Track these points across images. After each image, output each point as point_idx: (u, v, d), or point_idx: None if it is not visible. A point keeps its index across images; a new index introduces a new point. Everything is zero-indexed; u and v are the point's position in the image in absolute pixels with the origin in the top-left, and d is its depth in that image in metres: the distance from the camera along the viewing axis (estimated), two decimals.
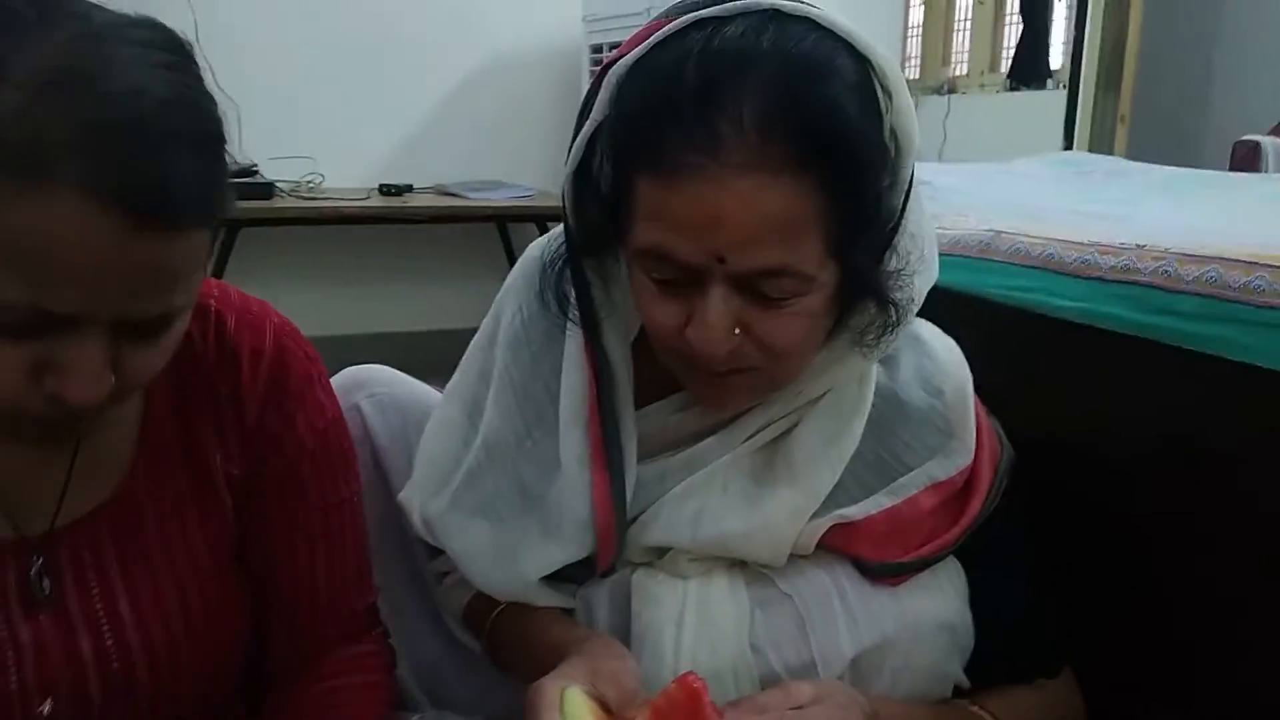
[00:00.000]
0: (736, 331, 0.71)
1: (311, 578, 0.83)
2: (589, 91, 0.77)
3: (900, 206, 0.75)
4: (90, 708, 0.73)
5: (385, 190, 3.33)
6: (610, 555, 0.83)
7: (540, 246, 0.92)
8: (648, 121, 0.69)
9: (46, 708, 0.71)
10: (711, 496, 0.82)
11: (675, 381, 0.83)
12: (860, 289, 0.75)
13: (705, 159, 0.66)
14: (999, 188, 1.76)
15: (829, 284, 0.72)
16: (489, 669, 0.97)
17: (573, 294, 0.83)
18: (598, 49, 3.40)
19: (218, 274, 2.91)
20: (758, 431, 0.83)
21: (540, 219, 3.41)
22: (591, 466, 0.82)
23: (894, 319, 0.77)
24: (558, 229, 0.91)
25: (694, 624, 0.80)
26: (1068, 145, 3.69)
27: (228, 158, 0.65)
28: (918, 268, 0.77)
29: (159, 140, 0.58)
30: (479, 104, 3.64)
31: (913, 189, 0.76)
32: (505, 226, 3.60)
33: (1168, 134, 4.01)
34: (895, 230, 0.75)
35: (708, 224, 0.67)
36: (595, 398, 0.82)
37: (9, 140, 0.55)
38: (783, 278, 0.69)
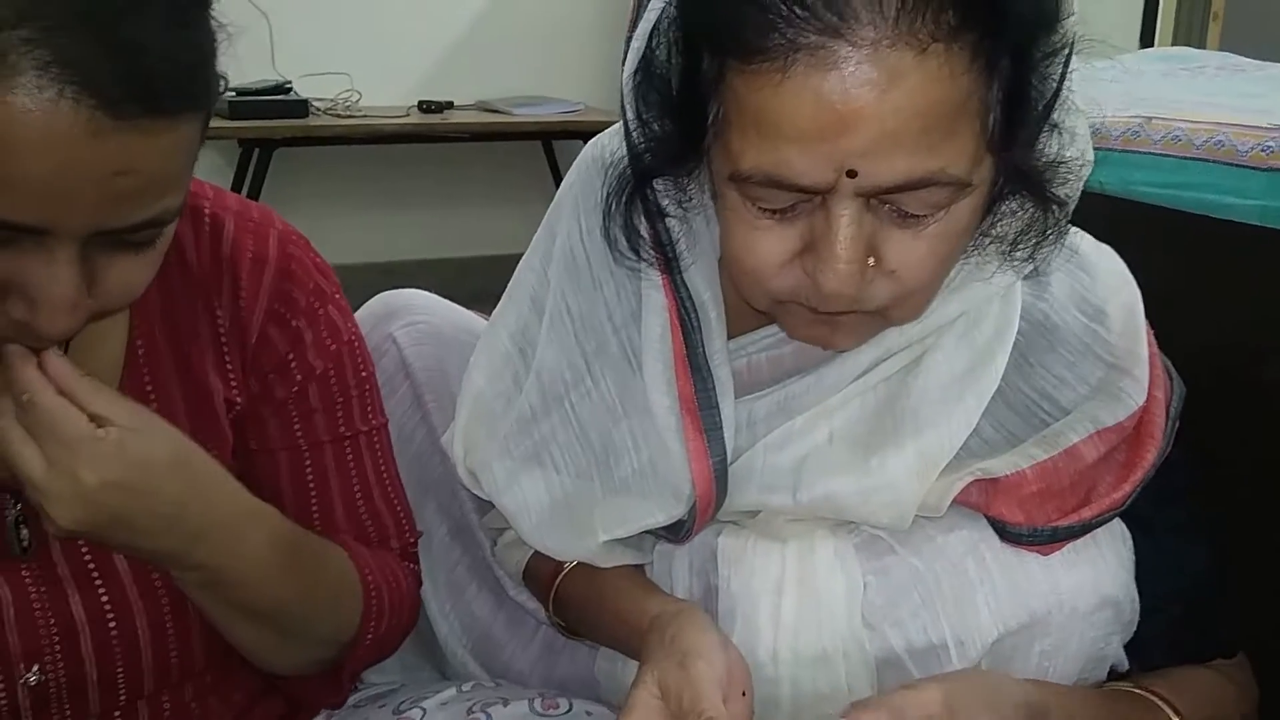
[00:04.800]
0: (871, 263, 0.57)
1: (326, 514, 0.74)
2: None
3: (1060, 75, 0.59)
4: (83, 676, 0.65)
5: (425, 107, 3.19)
6: (705, 522, 0.70)
7: (599, 146, 0.78)
8: None
9: (32, 677, 0.63)
10: (814, 448, 0.68)
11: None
12: (1017, 187, 0.60)
13: (827, 39, 0.51)
14: (1107, 83, 1.56)
15: (981, 187, 0.57)
16: (550, 634, 0.85)
17: (644, 227, 0.68)
18: None
19: (252, 199, 2.79)
20: (872, 367, 0.68)
21: (589, 135, 3.24)
22: (684, 426, 0.68)
23: (1055, 221, 0.61)
24: (615, 128, 0.75)
25: (795, 595, 0.67)
26: (1146, 46, 3.44)
27: (215, 25, 0.54)
28: (1085, 152, 0.61)
29: (129, 9, 0.48)
30: (522, 13, 3.45)
31: (1072, 52, 0.60)
32: (551, 144, 3.44)
33: (1266, 32, 3.73)
34: (1051, 107, 0.60)
35: (833, 128, 0.52)
36: (683, 346, 0.68)
37: None
38: (929, 188, 0.55)
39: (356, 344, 0.75)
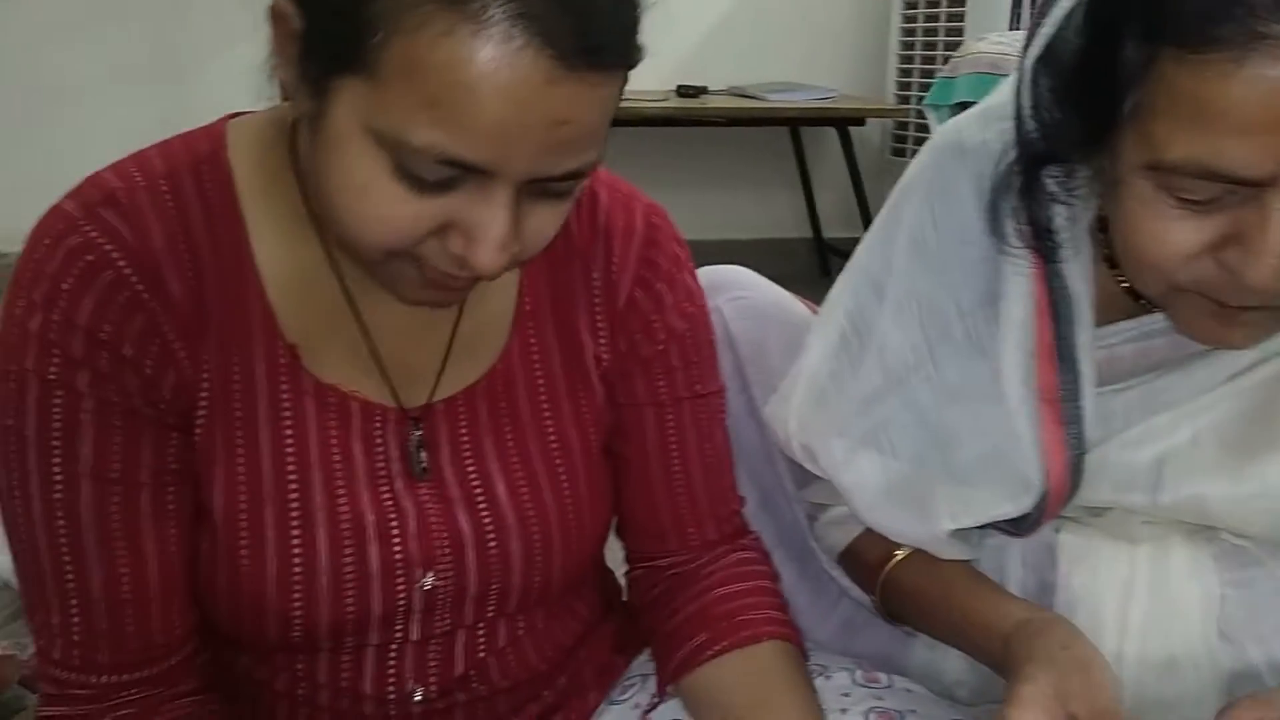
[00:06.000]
0: None
1: (686, 471, 0.79)
2: None
3: None
4: (465, 586, 0.72)
5: (682, 91, 3.24)
6: (1055, 516, 0.70)
7: (956, 132, 0.77)
8: None
9: (428, 581, 0.70)
10: (1177, 448, 0.66)
11: (1134, 300, 0.67)
12: None
13: None
14: None
15: None
16: (850, 608, 0.87)
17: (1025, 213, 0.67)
18: None
19: None
20: (1249, 368, 0.65)
21: (839, 122, 3.22)
22: (1042, 417, 0.68)
23: None
24: (970, 114, 0.76)
25: (1145, 599, 0.66)
26: None
27: None
28: None
29: None
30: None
31: None
32: (798, 130, 3.43)
33: None
34: None
35: None
36: (1051, 336, 0.68)
37: None
38: None
39: (706, 310, 0.80)
